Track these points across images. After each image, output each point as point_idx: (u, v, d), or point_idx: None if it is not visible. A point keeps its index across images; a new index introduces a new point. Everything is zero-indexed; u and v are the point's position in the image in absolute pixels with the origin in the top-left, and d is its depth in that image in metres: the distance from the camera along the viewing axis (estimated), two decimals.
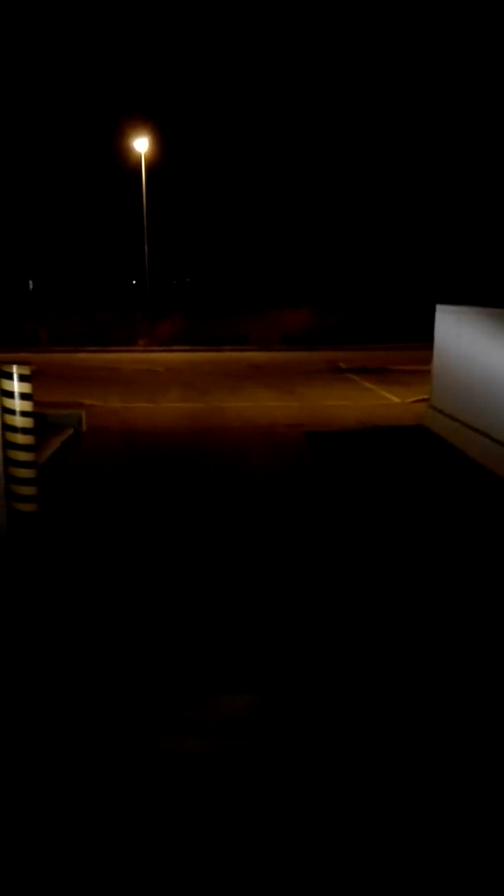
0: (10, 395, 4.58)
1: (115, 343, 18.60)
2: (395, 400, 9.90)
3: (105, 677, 2.87)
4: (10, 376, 4.57)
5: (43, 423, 5.98)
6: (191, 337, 19.07)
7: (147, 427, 7.99)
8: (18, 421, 4.62)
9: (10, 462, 4.57)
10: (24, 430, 4.64)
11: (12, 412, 4.60)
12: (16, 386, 4.59)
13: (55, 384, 10.70)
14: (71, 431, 7.24)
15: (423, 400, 8.51)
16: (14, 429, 4.61)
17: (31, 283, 27.76)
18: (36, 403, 4.77)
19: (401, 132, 29.83)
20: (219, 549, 4.29)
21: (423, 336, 9.66)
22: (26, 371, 4.63)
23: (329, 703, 2.70)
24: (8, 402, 4.58)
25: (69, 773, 2.31)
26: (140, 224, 22.30)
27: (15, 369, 4.57)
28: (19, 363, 4.66)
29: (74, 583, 3.79)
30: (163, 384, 11.79)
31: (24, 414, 4.63)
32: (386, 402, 9.85)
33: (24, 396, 4.63)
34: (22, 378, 4.61)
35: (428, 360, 8.12)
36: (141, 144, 21.37)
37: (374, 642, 3.17)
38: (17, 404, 4.60)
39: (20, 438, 4.64)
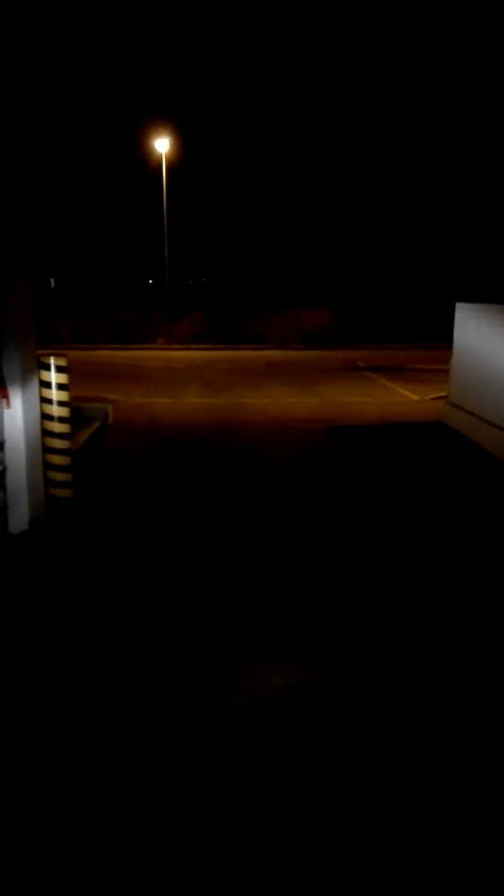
0: (48, 385, 4.79)
1: (135, 341, 18.88)
2: (414, 397, 10.02)
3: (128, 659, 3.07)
4: (47, 367, 4.78)
5: (77, 415, 6.19)
6: (209, 336, 19.29)
7: (170, 421, 8.20)
8: (55, 410, 4.84)
9: (46, 449, 4.79)
10: (61, 419, 4.86)
11: (49, 401, 4.81)
12: (53, 376, 4.80)
13: (78, 380, 10.77)
14: (98, 424, 7.46)
15: (442, 397, 8.63)
16: (51, 418, 4.83)
17: (52, 281, 28.17)
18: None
19: (419, 133, 29.86)
20: (242, 527, 4.48)
21: (441, 336, 9.77)
22: (63, 362, 4.84)
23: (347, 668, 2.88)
24: (45, 392, 4.80)
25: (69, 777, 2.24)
26: (160, 223, 22.56)
27: (52, 360, 4.79)
28: (56, 355, 4.88)
29: (108, 564, 4.00)
30: (183, 381, 12.00)
31: (60, 404, 4.84)
32: (404, 399, 9.97)
33: (60, 387, 4.84)
34: (59, 369, 4.83)
35: (446, 359, 8.24)
36: (162, 145, 21.63)
37: (378, 612, 3.34)
38: (55, 394, 4.82)
39: (56, 427, 4.85)
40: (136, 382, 11.71)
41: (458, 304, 7.72)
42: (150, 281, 31.80)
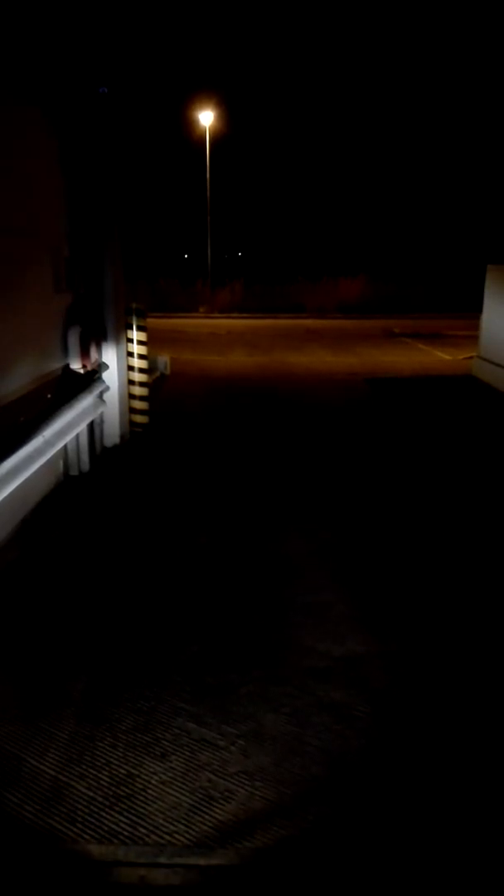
0: (129, 326, 5.62)
1: (177, 310, 19.71)
2: (447, 357, 10.62)
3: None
4: (130, 312, 5.61)
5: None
6: (248, 305, 20.00)
7: (221, 373, 9.01)
8: (136, 349, 5.67)
9: (129, 383, 5.64)
10: (140, 356, 5.70)
11: (130, 341, 5.65)
12: (134, 320, 5.63)
13: None
14: (158, 373, 8.32)
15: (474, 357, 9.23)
16: (132, 355, 5.67)
17: None
18: None
19: (459, 104, 29.58)
20: (285, 444, 5.29)
21: (478, 306, 10.26)
22: (143, 307, 5.66)
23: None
24: (127, 333, 5.63)
25: None
26: (201, 196, 23.17)
27: (134, 305, 5.61)
28: (136, 303, 5.70)
29: (182, 468, 4.87)
30: (228, 344, 12.79)
31: (140, 343, 5.68)
32: (438, 359, 10.58)
33: (140, 329, 5.67)
34: (138, 313, 5.65)
35: None
36: (206, 118, 22.13)
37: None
38: (136, 335, 5.65)
39: (137, 363, 5.70)
40: (182, 345, 12.53)
41: (489, 266, 8.29)
42: (186, 256, 32.43)
